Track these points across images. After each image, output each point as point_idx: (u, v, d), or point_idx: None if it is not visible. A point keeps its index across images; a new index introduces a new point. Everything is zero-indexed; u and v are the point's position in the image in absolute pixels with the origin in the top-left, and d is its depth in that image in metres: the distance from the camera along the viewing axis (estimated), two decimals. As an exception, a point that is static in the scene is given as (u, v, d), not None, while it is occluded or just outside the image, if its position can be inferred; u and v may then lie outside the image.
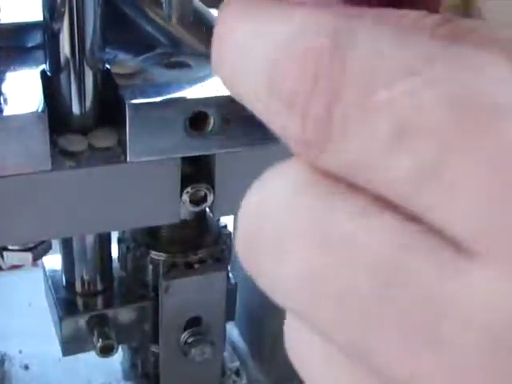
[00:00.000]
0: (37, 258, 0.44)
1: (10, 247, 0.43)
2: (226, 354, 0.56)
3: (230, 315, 0.54)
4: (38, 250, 0.44)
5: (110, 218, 0.42)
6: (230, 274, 0.54)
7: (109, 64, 0.44)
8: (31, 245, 0.44)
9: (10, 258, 0.43)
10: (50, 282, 0.53)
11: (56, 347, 0.52)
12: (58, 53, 0.42)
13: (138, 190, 0.42)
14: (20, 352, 0.58)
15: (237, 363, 0.56)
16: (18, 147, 0.39)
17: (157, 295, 0.50)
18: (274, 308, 0.48)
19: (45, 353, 0.57)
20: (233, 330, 0.58)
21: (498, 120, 0.14)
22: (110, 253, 0.52)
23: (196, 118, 0.41)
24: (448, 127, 0.15)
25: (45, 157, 0.39)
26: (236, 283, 0.54)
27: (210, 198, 0.44)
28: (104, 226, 0.44)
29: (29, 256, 0.43)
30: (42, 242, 0.44)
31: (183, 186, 0.43)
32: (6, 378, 0.55)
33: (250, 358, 0.57)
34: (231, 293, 0.53)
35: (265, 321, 0.55)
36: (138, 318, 0.52)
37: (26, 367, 0.57)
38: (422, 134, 0.15)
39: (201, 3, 0.47)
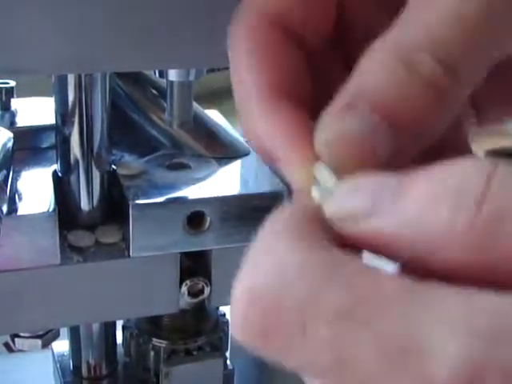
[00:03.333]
0: (45, 344, 0.47)
1: (21, 334, 0.46)
2: None
3: None
4: (47, 337, 0.47)
5: (113, 308, 0.46)
6: (228, 360, 0.57)
7: (115, 165, 0.47)
8: (40, 332, 0.47)
9: (21, 344, 0.46)
10: (58, 365, 0.56)
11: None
12: (69, 154, 0.46)
13: (140, 282, 0.45)
14: None
15: None
16: (30, 243, 0.42)
17: (158, 380, 0.53)
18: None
19: None
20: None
21: None
22: (115, 339, 0.55)
23: (194, 216, 0.44)
24: None
25: (54, 252, 0.43)
26: (233, 368, 0.56)
27: (206, 291, 0.47)
28: (108, 316, 0.47)
29: (38, 343, 0.46)
30: (51, 330, 0.47)
31: (182, 279, 0.47)
32: None
33: None
34: (228, 378, 0.56)
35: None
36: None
37: None
38: None
39: (200, 108, 0.51)
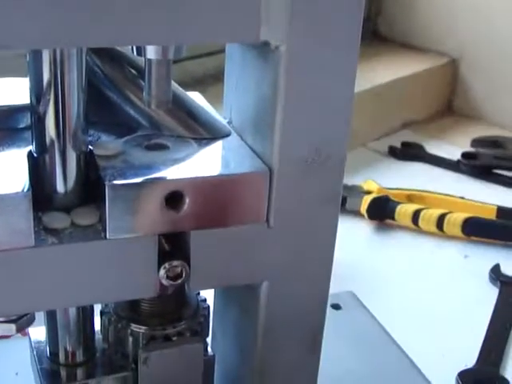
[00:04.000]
0: (20, 329, 0.45)
1: (-4, 319, 0.45)
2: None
3: None
4: (22, 321, 0.46)
5: (90, 292, 0.44)
6: (209, 347, 0.56)
7: (91, 145, 0.46)
8: (14, 317, 0.46)
9: (-4, 329, 0.45)
10: (34, 352, 0.55)
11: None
12: (44, 135, 0.45)
13: (117, 265, 0.44)
14: (5, 422, 0.59)
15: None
16: (3, 224, 0.41)
17: (137, 366, 0.52)
18: (251, 379, 0.50)
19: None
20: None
21: None
22: (93, 325, 0.54)
23: (171, 197, 0.43)
24: None
25: (28, 233, 0.42)
26: (214, 355, 0.55)
27: (185, 274, 0.46)
28: (84, 300, 0.46)
29: (12, 327, 0.45)
30: (26, 314, 0.46)
31: (161, 262, 0.46)
32: None
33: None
34: (209, 363, 0.55)
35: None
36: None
37: None
38: None
39: (179, 87, 0.50)
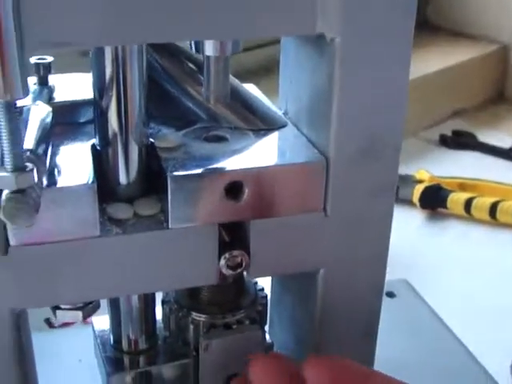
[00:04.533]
0: (86, 316, 0.47)
1: (62, 306, 0.47)
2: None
3: None
4: (88, 309, 0.47)
5: (153, 280, 0.46)
6: (267, 334, 0.57)
7: (153, 138, 0.48)
8: (81, 304, 0.47)
9: (62, 315, 0.47)
10: (98, 340, 0.57)
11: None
12: (107, 128, 0.46)
13: (179, 254, 0.45)
14: (70, 405, 0.61)
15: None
16: (70, 215, 0.42)
17: (197, 353, 0.53)
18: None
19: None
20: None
21: None
22: (155, 314, 0.56)
23: (231, 187, 0.44)
24: None
25: (94, 224, 0.43)
26: (273, 342, 0.57)
27: (245, 264, 0.47)
28: (148, 288, 0.47)
29: (79, 314, 0.47)
30: (91, 302, 0.48)
31: (221, 252, 0.47)
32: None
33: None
34: (268, 351, 0.56)
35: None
36: (179, 375, 0.55)
37: (74, 422, 0.60)
38: None
39: (236, 79, 0.51)
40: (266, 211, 0.46)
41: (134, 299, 0.53)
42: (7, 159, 0.35)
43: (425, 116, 1.36)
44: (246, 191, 0.45)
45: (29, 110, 0.44)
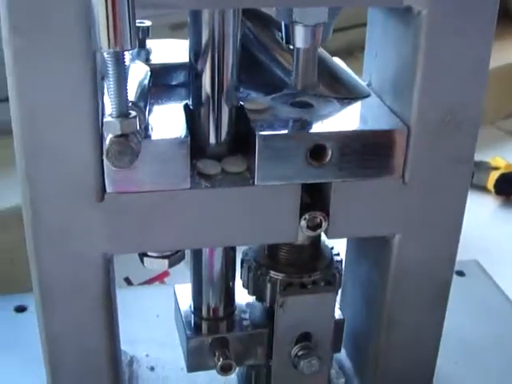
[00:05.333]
0: (172, 264, 0.50)
1: (149, 254, 0.50)
2: (332, 371, 0.61)
3: (336, 347, 0.59)
4: (174, 257, 0.50)
5: (236, 233, 0.49)
6: (339, 309, 0.59)
7: (242, 101, 0.50)
8: (168, 253, 0.50)
9: (150, 263, 0.50)
10: (179, 306, 0.60)
11: (179, 353, 0.59)
12: (200, 90, 0.49)
13: (262, 210, 0.48)
14: (147, 356, 0.64)
15: (342, 380, 0.61)
16: (163, 167, 0.45)
17: (272, 322, 0.56)
18: (377, 335, 0.53)
19: (169, 358, 0.63)
20: (341, 351, 0.62)
21: None
22: (234, 285, 0.59)
23: (315, 149, 0.47)
24: None
25: (185, 177, 0.46)
26: (344, 319, 0.59)
27: (324, 225, 0.50)
28: (231, 240, 0.50)
29: (165, 262, 0.50)
30: (178, 252, 0.50)
31: (301, 213, 0.49)
32: (133, 377, 0.62)
33: (355, 376, 0.62)
34: (339, 327, 0.58)
35: (369, 344, 0.59)
36: (254, 342, 0.58)
37: (152, 369, 0.63)
38: None
39: (325, 51, 0.53)
40: (347, 174, 0.48)
41: (216, 268, 0.56)
42: (113, 106, 0.38)
43: (504, 106, 1.36)
44: (329, 154, 0.47)
45: (128, 67, 0.47)
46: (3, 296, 0.74)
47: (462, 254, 0.92)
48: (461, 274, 0.81)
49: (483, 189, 1.11)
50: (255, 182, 0.47)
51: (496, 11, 0.46)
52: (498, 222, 1.06)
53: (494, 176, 1.09)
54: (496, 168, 1.12)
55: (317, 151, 0.47)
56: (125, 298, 0.58)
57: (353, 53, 0.55)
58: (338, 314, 0.58)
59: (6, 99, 0.43)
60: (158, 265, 0.50)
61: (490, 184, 1.09)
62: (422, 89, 0.47)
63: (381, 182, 0.49)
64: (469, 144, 0.49)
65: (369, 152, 0.48)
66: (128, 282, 0.84)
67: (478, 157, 1.15)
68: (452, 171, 0.50)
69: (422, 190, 0.50)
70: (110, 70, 0.37)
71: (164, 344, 0.65)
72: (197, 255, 0.56)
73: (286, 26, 0.48)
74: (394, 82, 0.50)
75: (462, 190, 0.51)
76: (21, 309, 0.72)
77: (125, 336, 0.55)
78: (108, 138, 0.39)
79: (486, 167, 1.12)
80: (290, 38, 0.48)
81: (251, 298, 0.58)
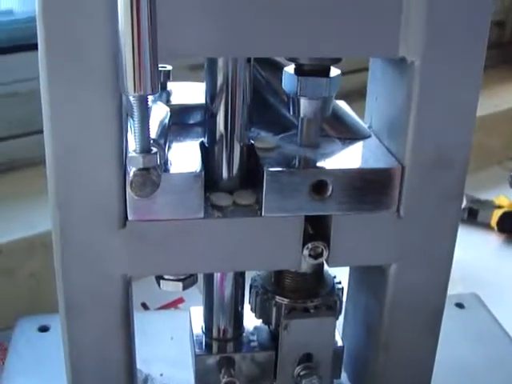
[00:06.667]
0: (185, 287, 0.55)
1: (165, 277, 0.55)
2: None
3: (336, 373, 0.64)
4: (188, 281, 0.55)
5: (245, 259, 0.53)
6: (339, 337, 0.64)
7: (253, 140, 0.55)
8: (182, 276, 0.55)
9: (165, 285, 0.54)
10: (192, 327, 0.65)
11: (191, 373, 0.63)
12: (215, 129, 0.54)
13: (269, 239, 0.53)
14: (161, 375, 0.69)
15: (343, 402, 0.66)
16: (180, 198, 0.50)
17: (277, 346, 0.60)
18: (375, 358, 0.57)
19: (182, 377, 0.68)
20: (340, 377, 0.67)
21: None
22: (242, 309, 0.63)
23: (318, 185, 0.52)
24: None
25: (199, 207, 0.51)
26: (343, 346, 0.63)
27: (325, 254, 0.54)
28: (240, 266, 0.55)
29: (180, 285, 0.55)
30: (191, 275, 0.55)
31: (304, 243, 0.54)
32: (148, 394, 0.67)
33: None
34: (338, 353, 0.63)
35: (368, 367, 0.64)
36: (260, 363, 0.62)
37: (165, 387, 0.68)
38: None
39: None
40: (346, 207, 0.53)
41: (226, 293, 0.61)
42: (137, 143, 0.43)
43: (510, 146, 1.41)
44: (330, 189, 0.52)
45: (151, 108, 0.52)
46: (28, 317, 0.78)
47: (464, 288, 0.96)
48: (461, 306, 0.85)
49: (487, 226, 1.15)
50: (263, 214, 0.52)
51: (483, 60, 0.50)
52: (499, 259, 1.10)
53: (497, 214, 1.13)
54: (500, 206, 1.16)
55: (319, 186, 0.52)
56: (141, 322, 0.63)
57: (364, 94, 0.60)
58: (339, 341, 0.63)
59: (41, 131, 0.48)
60: (172, 287, 0.54)
61: (494, 221, 1.14)
62: (415, 131, 0.51)
63: (378, 215, 0.54)
64: (459, 182, 0.54)
65: (366, 188, 0.53)
66: (145, 306, 0.89)
67: (483, 195, 1.20)
68: (443, 207, 0.55)
69: (416, 223, 0.55)
70: (135, 112, 0.42)
71: (177, 364, 0.69)
72: (209, 280, 0.61)
73: (291, 98, 0.54)
74: (391, 124, 0.55)
75: (452, 224, 0.56)
76: (44, 329, 0.77)
77: (141, 356, 0.60)
78: (132, 171, 0.44)
79: (490, 205, 1.16)
80: (295, 109, 0.54)
81: (258, 322, 0.63)
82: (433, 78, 0.50)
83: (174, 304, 0.90)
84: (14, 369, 0.72)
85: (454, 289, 0.93)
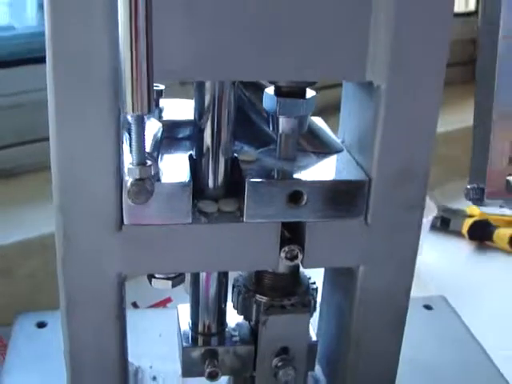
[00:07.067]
0: (174, 285, 0.61)
1: (156, 275, 0.61)
2: (308, 384, 0.72)
3: (310, 366, 0.70)
4: (176, 279, 0.61)
5: (228, 260, 0.59)
6: (314, 332, 0.70)
7: (236, 153, 0.61)
8: (171, 275, 0.61)
9: (156, 283, 0.61)
10: (180, 323, 0.71)
11: (178, 366, 0.69)
12: (202, 143, 0.60)
13: (249, 242, 0.59)
14: (150, 367, 0.75)
15: (316, 392, 0.72)
16: (171, 205, 0.56)
17: (256, 340, 0.67)
18: (346, 353, 0.64)
19: (169, 369, 0.74)
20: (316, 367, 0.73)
21: None
22: (225, 306, 0.69)
23: (294, 194, 0.58)
24: None
25: (187, 213, 0.57)
26: (317, 341, 0.69)
27: (300, 256, 0.60)
28: (223, 266, 0.61)
29: (169, 283, 0.61)
30: (180, 274, 0.61)
31: (281, 246, 0.60)
32: (138, 385, 0.73)
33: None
34: (313, 347, 0.69)
35: (339, 362, 0.70)
36: (240, 355, 0.68)
37: (154, 378, 0.74)
38: None
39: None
40: (319, 216, 0.59)
41: (211, 291, 0.67)
42: (134, 156, 0.49)
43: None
44: (305, 198, 0.58)
45: (145, 123, 0.58)
46: (27, 314, 0.84)
47: (435, 291, 1.02)
48: (429, 307, 0.91)
49: (459, 234, 1.22)
50: (244, 220, 0.58)
51: (442, 84, 0.57)
52: (469, 265, 1.16)
53: (468, 222, 1.20)
54: (471, 216, 1.23)
55: (295, 196, 0.58)
56: (132, 319, 0.69)
57: (339, 109, 0.67)
58: (313, 336, 0.69)
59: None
60: (162, 285, 0.60)
61: (465, 230, 1.20)
62: (381, 147, 0.58)
63: (347, 222, 0.60)
64: (420, 193, 0.60)
65: (338, 198, 0.59)
66: (135, 305, 0.95)
67: (455, 205, 1.26)
68: (406, 215, 0.61)
69: (382, 230, 0.61)
70: (132, 129, 0.48)
71: (165, 358, 0.75)
72: (195, 280, 0.67)
73: (271, 115, 0.60)
74: (360, 140, 0.61)
75: (415, 231, 0.62)
76: (42, 325, 0.83)
77: (132, 350, 0.65)
78: (129, 180, 0.50)
79: (461, 215, 1.23)
80: (274, 125, 0.60)
81: (240, 318, 0.69)
82: (397, 100, 0.56)
83: (163, 303, 0.96)
84: (14, 362, 0.78)
85: (426, 292, 1.00)
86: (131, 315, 0.65)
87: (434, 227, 1.20)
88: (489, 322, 0.98)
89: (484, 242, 1.20)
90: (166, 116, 0.66)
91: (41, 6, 1.08)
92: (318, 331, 0.73)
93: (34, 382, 0.75)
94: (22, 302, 0.89)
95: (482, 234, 1.20)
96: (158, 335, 0.81)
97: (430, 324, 0.88)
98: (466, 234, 1.20)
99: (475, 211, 1.23)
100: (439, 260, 1.17)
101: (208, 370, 0.66)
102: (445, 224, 1.23)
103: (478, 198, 0.61)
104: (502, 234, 1.18)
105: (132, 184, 0.50)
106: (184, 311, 0.71)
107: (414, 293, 0.66)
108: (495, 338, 0.92)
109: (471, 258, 1.18)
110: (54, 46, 0.50)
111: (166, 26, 0.51)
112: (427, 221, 1.06)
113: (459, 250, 1.20)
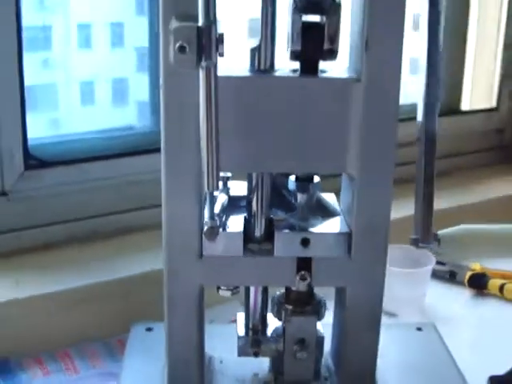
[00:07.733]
0: (233, 294, 1.00)
1: (222, 287, 1.00)
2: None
3: (318, 352, 1.02)
4: (234, 291, 0.99)
5: (265, 279, 0.98)
6: (322, 330, 1.07)
7: (272, 215, 1.00)
8: (231, 287, 1.00)
9: (221, 292, 0.99)
10: (237, 323, 1.09)
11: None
12: (251, 210, 0.99)
13: (277, 268, 0.96)
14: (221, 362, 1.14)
15: (326, 374, 1.09)
16: (229, 245, 0.96)
17: (284, 333, 1.04)
18: (343, 346, 1.04)
19: (232, 357, 1.12)
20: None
21: None
22: (267, 311, 1.05)
23: (304, 240, 0.97)
24: None
25: (240, 249, 0.95)
26: (323, 336, 1.03)
27: (309, 279, 0.98)
28: (262, 282, 1.00)
29: (229, 293, 0.99)
30: (236, 287, 1.00)
31: (297, 271, 0.97)
32: (209, 369, 1.12)
33: (335, 373, 1.09)
34: (320, 339, 1.02)
35: (339, 352, 1.07)
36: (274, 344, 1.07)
37: (221, 362, 1.12)
38: None
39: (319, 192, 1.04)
40: (321, 253, 0.97)
41: (257, 303, 1.06)
42: (209, 214, 0.89)
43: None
44: (311, 243, 0.97)
45: (217, 196, 0.99)
46: (139, 323, 1.24)
47: (438, 326, 1.36)
48: (420, 329, 1.26)
49: (462, 284, 1.56)
50: (274, 254, 0.97)
51: (392, 170, 0.95)
52: (468, 307, 1.49)
53: (468, 274, 1.55)
54: (473, 270, 1.58)
55: (305, 241, 0.95)
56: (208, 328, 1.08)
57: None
58: (321, 332, 1.06)
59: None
60: (225, 293, 1.00)
61: (466, 280, 1.56)
62: (356, 212, 0.96)
63: (338, 258, 0.98)
64: (383, 241, 0.98)
65: (331, 244, 0.97)
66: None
67: (462, 262, 1.61)
68: (375, 255, 0.98)
69: (360, 264, 0.98)
70: (207, 199, 0.89)
71: (232, 351, 1.13)
72: (247, 294, 1.06)
73: (293, 192, 0.99)
74: (347, 206, 1.00)
75: (381, 266, 0.98)
76: (149, 329, 1.22)
77: (207, 345, 1.00)
78: (205, 227, 0.90)
79: (466, 269, 1.58)
80: (295, 198, 1.00)
81: (275, 320, 1.07)
82: (366, 186, 0.94)
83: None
84: (131, 355, 1.11)
85: (427, 323, 1.32)
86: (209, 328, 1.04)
87: (443, 278, 1.55)
88: (471, 348, 1.27)
89: (481, 290, 1.55)
90: (232, 192, 1.06)
91: (154, 112, 1.45)
92: (333, 330, 1.10)
93: (145, 367, 1.09)
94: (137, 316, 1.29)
95: (479, 283, 1.53)
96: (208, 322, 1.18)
97: (419, 341, 1.24)
98: (467, 283, 1.56)
99: (477, 267, 1.58)
100: (444, 303, 1.50)
101: (253, 350, 1.04)
102: (453, 276, 1.57)
103: (416, 244, 0.98)
104: (494, 283, 1.52)
105: (207, 229, 0.90)
106: (240, 316, 1.09)
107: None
108: (471, 359, 1.16)
109: (469, 302, 1.50)
110: (166, 145, 0.92)
111: (228, 142, 0.91)
112: (427, 270, 1.42)
113: (461, 296, 1.52)
